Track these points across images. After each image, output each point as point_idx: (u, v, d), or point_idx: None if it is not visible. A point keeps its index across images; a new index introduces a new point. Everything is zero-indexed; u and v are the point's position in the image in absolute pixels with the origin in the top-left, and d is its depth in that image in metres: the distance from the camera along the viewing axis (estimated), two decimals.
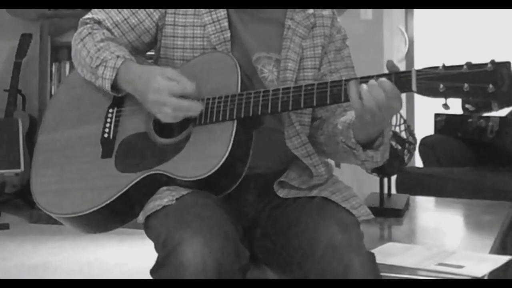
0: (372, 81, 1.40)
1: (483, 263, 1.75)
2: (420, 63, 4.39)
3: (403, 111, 4.00)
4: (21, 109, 4.45)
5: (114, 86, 1.61)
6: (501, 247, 2.06)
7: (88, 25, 1.70)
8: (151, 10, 1.67)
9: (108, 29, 1.69)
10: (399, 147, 2.37)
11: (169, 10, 1.66)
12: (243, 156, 1.52)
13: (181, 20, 1.66)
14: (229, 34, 1.64)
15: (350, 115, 1.54)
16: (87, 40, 1.66)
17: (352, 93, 1.41)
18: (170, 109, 1.52)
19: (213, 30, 1.64)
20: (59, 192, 1.63)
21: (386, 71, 1.42)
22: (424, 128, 4.09)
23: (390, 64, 1.41)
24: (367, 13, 4.30)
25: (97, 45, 1.64)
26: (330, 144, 1.61)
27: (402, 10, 4.59)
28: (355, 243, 1.45)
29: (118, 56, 1.60)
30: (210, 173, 1.47)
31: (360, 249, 1.45)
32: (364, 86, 1.40)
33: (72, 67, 2.58)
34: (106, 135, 1.65)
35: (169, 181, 1.53)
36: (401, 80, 1.39)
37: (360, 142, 1.51)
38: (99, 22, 1.70)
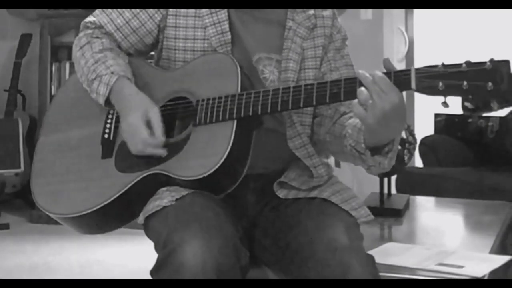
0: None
1: (483, 263, 1.75)
2: (420, 63, 4.36)
3: None
4: (21, 109, 4.45)
5: (108, 100, 1.62)
6: (501, 247, 2.06)
7: (89, 31, 1.70)
8: (153, 11, 1.67)
9: (109, 33, 1.69)
10: (399, 147, 2.37)
11: (171, 11, 1.66)
12: (243, 156, 1.52)
13: (182, 22, 1.66)
14: (229, 37, 1.64)
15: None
16: (86, 49, 1.67)
17: (362, 96, 1.40)
18: (139, 147, 1.56)
19: (214, 32, 1.64)
20: (59, 192, 1.63)
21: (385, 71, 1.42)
22: (424, 128, 4.09)
23: (387, 62, 1.41)
24: (367, 13, 4.31)
25: (95, 56, 1.65)
26: (336, 144, 1.61)
27: (402, 10, 4.59)
28: (354, 244, 1.45)
29: (112, 73, 1.60)
30: (209, 173, 1.47)
31: (360, 251, 1.44)
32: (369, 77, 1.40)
33: (72, 67, 2.59)
34: (106, 136, 1.65)
35: (169, 181, 1.53)
36: (401, 78, 1.39)
37: (369, 147, 1.50)
38: (100, 27, 1.70)
